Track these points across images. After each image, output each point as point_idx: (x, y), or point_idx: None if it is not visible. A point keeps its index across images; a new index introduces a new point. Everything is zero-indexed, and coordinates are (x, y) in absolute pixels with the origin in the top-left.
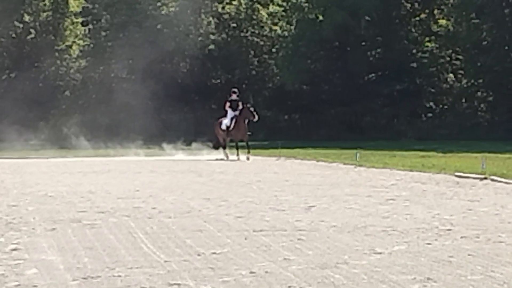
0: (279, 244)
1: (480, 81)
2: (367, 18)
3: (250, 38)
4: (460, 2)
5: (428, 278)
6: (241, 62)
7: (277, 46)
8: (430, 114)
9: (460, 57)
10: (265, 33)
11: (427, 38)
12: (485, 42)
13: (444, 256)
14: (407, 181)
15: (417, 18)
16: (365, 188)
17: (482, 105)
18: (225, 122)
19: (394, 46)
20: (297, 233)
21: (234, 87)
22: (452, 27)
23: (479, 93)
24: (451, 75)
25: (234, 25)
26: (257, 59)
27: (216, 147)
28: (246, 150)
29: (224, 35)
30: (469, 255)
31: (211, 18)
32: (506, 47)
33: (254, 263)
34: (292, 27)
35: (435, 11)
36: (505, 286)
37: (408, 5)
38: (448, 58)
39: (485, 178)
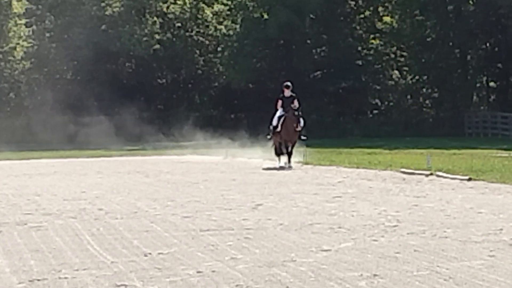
0: (226, 243)
1: (425, 77)
2: (311, 16)
3: (195, 37)
4: None
5: (375, 275)
6: (187, 62)
7: (222, 45)
8: (375, 111)
9: (405, 54)
10: (210, 32)
11: (371, 36)
12: (429, 39)
13: (390, 252)
14: (354, 178)
15: (362, 16)
16: (311, 186)
17: (427, 102)
18: (273, 121)
19: (339, 43)
20: (244, 232)
21: (287, 81)
22: (397, 24)
23: (424, 90)
24: (396, 72)
25: (179, 24)
26: (203, 59)
27: (278, 154)
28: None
29: (169, 35)
30: (415, 251)
31: (155, 18)
32: (450, 43)
33: (201, 263)
34: (237, 26)
35: (380, 9)
36: (451, 281)
37: (352, 3)
38: (393, 55)
39: (431, 174)
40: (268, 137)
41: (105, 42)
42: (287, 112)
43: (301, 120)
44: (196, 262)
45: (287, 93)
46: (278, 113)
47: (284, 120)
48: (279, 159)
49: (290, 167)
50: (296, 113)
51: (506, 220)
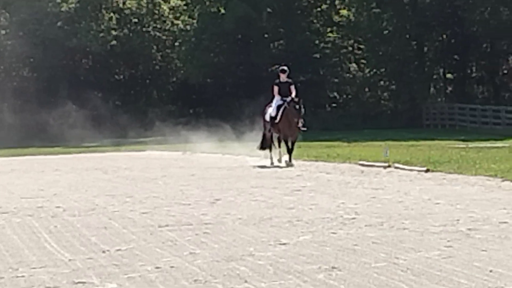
0: (185, 238)
1: (383, 70)
2: (268, 10)
3: (152, 33)
4: None
5: (333, 267)
6: (144, 57)
7: (179, 40)
8: (334, 105)
9: (362, 46)
10: (167, 27)
11: (329, 29)
12: (386, 32)
13: (348, 244)
14: (312, 172)
15: (319, 9)
16: (270, 180)
17: (385, 94)
18: (270, 111)
19: (297, 37)
20: (203, 226)
21: (283, 65)
22: (353, 17)
23: (381, 82)
24: (354, 65)
25: (136, 20)
26: (160, 54)
27: (263, 147)
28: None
29: (126, 31)
30: (373, 242)
31: (112, 14)
32: (407, 36)
33: (159, 258)
34: (194, 21)
35: (336, 2)
36: (409, 272)
37: None
38: (350, 48)
39: (389, 166)
40: (266, 130)
41: (61, 39)
42: (288, 102)
43: (300, 118)
44: (155, 258)
45: (283, 78)
46: (275, 102)
47: (284, 111)
48: (271, 155)
49: (291, 165)
50: (297, 106)
51: (463, 211)
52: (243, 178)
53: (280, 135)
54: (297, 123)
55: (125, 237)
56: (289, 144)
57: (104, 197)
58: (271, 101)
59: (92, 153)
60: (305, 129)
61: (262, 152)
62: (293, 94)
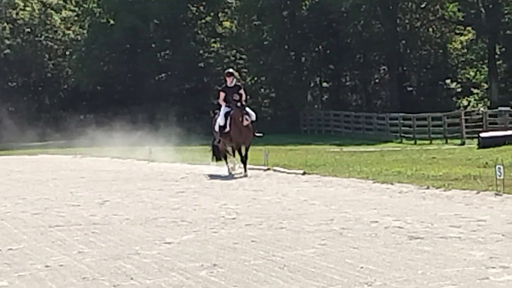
0: (74, 238)
1: (263, 78)
2: (156, 21)
3: (44, 42)
4: (242, 5)
5: (215, 265)
6: (37, 65)
7: (70, 49)
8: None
9: (244, 56)
10: (59, 37)
11: (212, 39)
12: (266, 42)
13: (229, 243)
14: (196, 174)
15: (203, 21)
16: (156, 182)
17: (265, 101)
18: (219, 120)
19: (182, 47)
20: (92, 227)
21: (229, 68)
22: (236, 28)
23: (262, 90)
24: (236, 73)
25: (29, 30)
26: (52, 62)
27: (217, 158)
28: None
29: (19, 40)
30: (252, 241)
31: (5, 24)
32: (286, 47)
33: (49, 257)
34: (85, 31)
35: (220, 14)
36: (285, 269)
37: (194, 9)
38: (233, 58)
39: (268, 169)
40: (216, 141)
41: None
42: (233, 107)
43: (252, 112)
44: (45, 257)
45: (230, 82)
46: (222, 110)
47: (231, 118)
48: (228, 165)
49: (246, 175)
50: (239, 104)
51: (337, 211)
52: (131, 181)
53: (233, 145)
54: (242, 121)
55: (17, 237)
56: (243, 151)
57: None
58: (220, 109)
59: None
60: (261, 135)
61: (216, 163)
62: (235, 96)
